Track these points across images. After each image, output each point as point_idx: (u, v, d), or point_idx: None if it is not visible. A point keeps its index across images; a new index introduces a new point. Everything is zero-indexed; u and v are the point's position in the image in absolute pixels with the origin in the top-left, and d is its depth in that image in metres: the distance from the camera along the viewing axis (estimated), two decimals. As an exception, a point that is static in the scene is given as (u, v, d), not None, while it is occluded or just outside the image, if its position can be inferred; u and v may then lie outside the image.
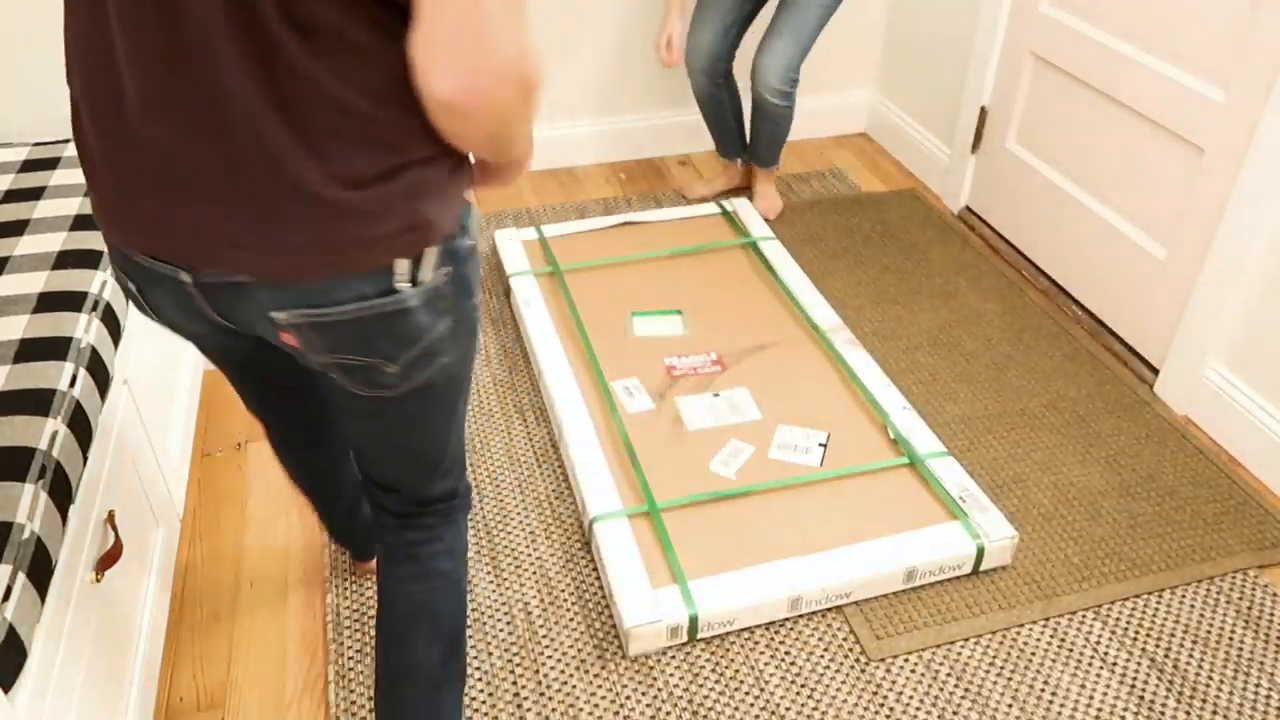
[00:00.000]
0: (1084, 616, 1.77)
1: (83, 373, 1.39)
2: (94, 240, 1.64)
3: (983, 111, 2.86)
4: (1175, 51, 2.18)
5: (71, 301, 1.49)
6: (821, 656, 1.69)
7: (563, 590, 1.81)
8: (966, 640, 1.73)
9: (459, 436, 1.29)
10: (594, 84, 3.17)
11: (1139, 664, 1.69)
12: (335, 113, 0.91)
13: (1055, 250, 2.66)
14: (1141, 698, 1.64)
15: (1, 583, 1.08)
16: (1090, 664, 1.69)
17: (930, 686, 1.65)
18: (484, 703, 1.62)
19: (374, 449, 1.23)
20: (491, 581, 1.82)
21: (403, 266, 0.99)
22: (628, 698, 1.63)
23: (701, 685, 1.65)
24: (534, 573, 1.84)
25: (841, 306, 2.57)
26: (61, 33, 1.87)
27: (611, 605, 1.74)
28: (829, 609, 1.77)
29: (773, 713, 1.61)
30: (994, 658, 1.70)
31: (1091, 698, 1.64)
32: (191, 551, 1.89)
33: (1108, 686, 1.66)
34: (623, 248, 2.69)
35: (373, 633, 1.72)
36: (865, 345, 2.40)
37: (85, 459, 1.34)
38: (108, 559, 1.36)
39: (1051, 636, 1.74)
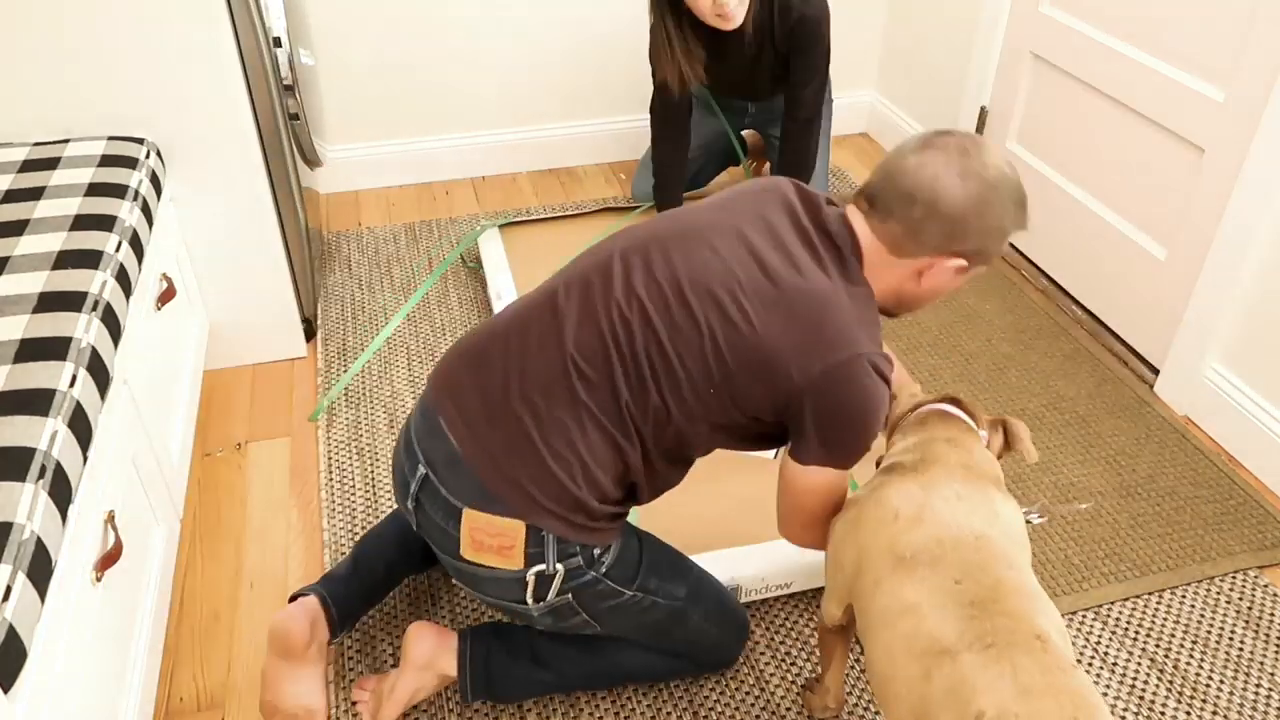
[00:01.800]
0: (1084, 616, 1.77)
1: (83, 373, 1.39)
2: (94, 240, 1.64)
3: (983, 111, 2.86)
4: (1175, 51, 2.18)
5: (71, 301, 1.49)
6: (821, 656, 1.70)
7: (563, 590, 1.81)
8: (966, 640, 1.73)
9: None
10: (592, 85, 3.17)
11: (1139, 664, 1.69)
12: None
13: (1055, 250, 2.66)
14: (1141, 698, 1.64)
15: (1, 583, 1.08)
16: (1090, 664, 1.69)
17: (930, 686, 1.65)
18: (485, 702, 1.62)
19: None
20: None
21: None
22: (628, 698, 1.63)
23: (701, 685, 1.65)
24: (534, 573, 1.84)
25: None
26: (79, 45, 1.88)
27: None
28: (771, 599, 1.77)
29: (773, 713, 1.61)
30: (994, 658, 1.70)
31: (1091, 698, 1.64)
32: (191, 551, 1.89)
33: (1108, 686, 1.66)
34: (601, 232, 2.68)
35: (371, 634, 1.72)
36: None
37: (85, 459, 1.34)
38: (108, 559, 1.36)
39: (1051, 636, 1.74)
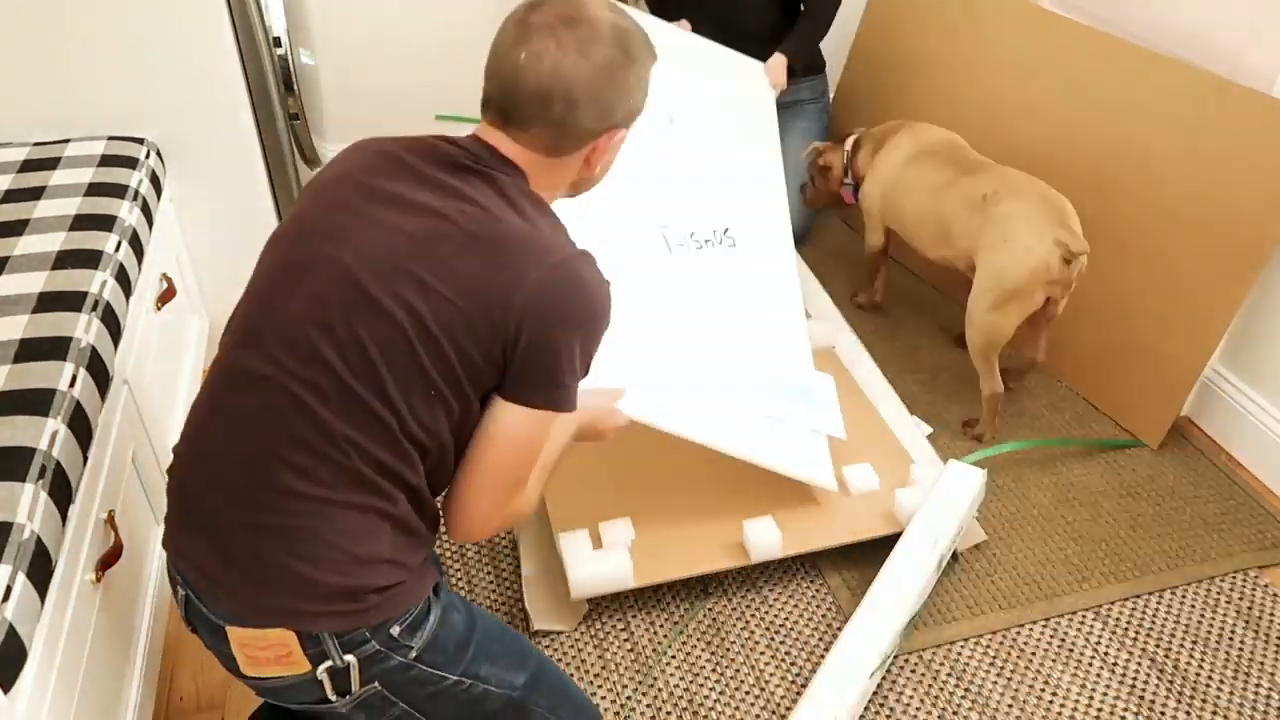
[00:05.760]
0: (1084, 616, 1.77)
1: (83, 373, 1.39)
2: (94, 240, 1.64)
3: (983, 111, 2.85)
4: (1176, 51, 2.17)
5: (71, 301, 1.49)
6: (822, 656, 1.69)
7: (563, 590, 1.81)
8: (966, 640, 1.73)
9: None
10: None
11: (1139, 664, 1.69)
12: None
13: (1055, 250, 2.65)
14: (1141, 698, 1.64)
15: (1, 583, 1.08)
16: (1090, 664, 1.69)
17: (930, 686, 1.65)
18: None
19: None
20: (492, 582, 1.82)
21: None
22: (628, 698, 1.63)
23: (701, 685, 1.65)
24: (534, 573, 1.84)
25: (841, 306, 2.57)
26: (42, 38, 1.88)
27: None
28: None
29: (773, 713, 1.61)
30: (994, 658, 1.70)
31: (1091, 698, 1.64)
32: (191, 551, 1.89)
33: (1108, 686, 1.66)
34: None
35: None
36: (865, 345, 2.39)
37: (85, 459, 1.34)
38: (108, 559, 1.36)
39: (1051, 636, 1.74)
